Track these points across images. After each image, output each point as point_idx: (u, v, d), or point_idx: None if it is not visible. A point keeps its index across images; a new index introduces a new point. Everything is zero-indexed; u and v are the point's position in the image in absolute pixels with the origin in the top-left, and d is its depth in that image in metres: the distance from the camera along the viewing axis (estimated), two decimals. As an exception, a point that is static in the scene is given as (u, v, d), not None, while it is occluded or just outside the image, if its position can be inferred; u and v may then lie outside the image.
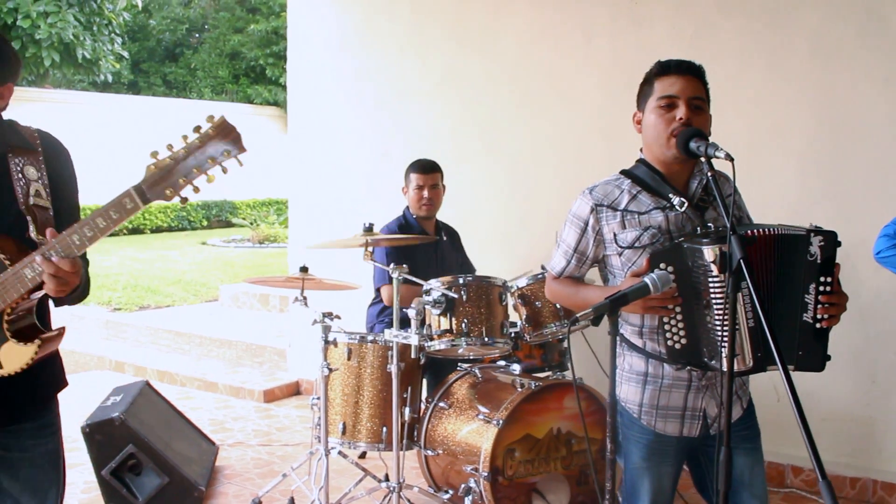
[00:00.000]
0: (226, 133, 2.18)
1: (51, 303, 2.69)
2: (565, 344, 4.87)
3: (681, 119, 2.72)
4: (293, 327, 7.43)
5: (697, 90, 2.78)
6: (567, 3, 5.76)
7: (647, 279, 2.54)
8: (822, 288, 2.56)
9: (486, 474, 4.02)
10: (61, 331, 2.59)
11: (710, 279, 2.54)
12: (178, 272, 13.05)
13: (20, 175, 2.51)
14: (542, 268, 4.60)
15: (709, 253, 2.53)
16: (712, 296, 2.55)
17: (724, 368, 2.54)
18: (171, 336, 8.75)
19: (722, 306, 2.51)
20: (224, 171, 2.22)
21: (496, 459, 4.04)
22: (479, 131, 6.18)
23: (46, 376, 2.71)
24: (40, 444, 2.70)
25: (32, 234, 2.42)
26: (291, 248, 7.37)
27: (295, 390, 7.31)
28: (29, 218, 2.44)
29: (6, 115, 2.62)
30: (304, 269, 4.63)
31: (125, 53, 21.01)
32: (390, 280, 4.77)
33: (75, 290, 2.42)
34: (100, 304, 10.29)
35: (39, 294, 2.45)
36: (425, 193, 5.13)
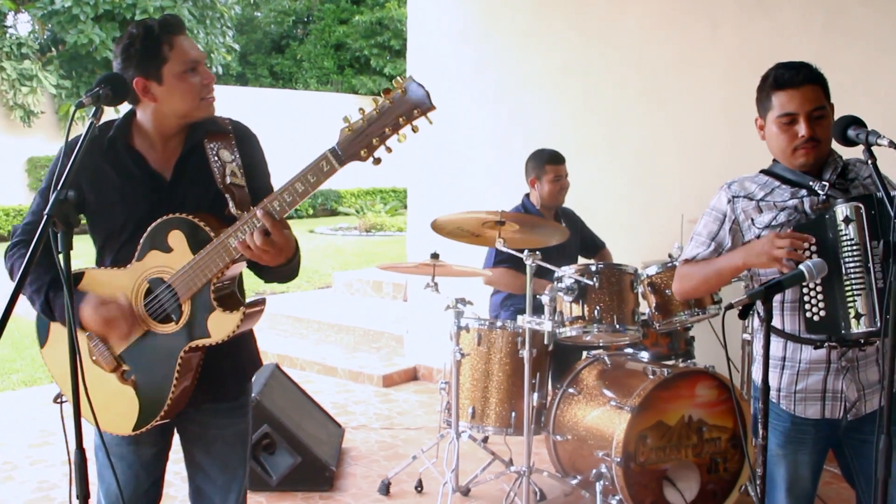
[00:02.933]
0: (414, 91, 2.26)
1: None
2: (691, 332, 4.88)
3: (803, 136, 2.76)
4: (411, 314, 7.56)
5: (816, 100, 2.79)
6: (692, -9, 5.73)
7: (803, 267, 2.55)
8: None
9: (618, 460, 4.06)
10: (262, 301, 2.70)
11: (841, 240, 2.61)
12: (291, 259, 13.33)
13: (216, 157, 2.69)
14: (670, 256, 4.62)
15: (841, 212, 2.61)
16: (844, 258, 2.61)
17: (855, 330, 2.60)
18: (289, 321, 8.97)
19: (853, 267, 2.59)
20: (415, 129, 2.30)
21: (629, 445, 4.08)
22: (601, 121, 6.19)
23: (246, 356, 2.90)
24: (234, 424, 2.88)
25: (233, 209, 2.57)
26: (411, 236, 7.48)
27: (413, 376, 7.44)
28: (227, 196, 2.60)
29: None
30: (435, 256, 4.71)
31: (236, 46, 21.51)
32: (496, 263, 4.93)
33: (290, 261, 2.54)
34: (219, 290, 10.60)
35: (242, 264, 2.59)
36: (564, 183, 5.22)
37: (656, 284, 4.46)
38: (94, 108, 2.48)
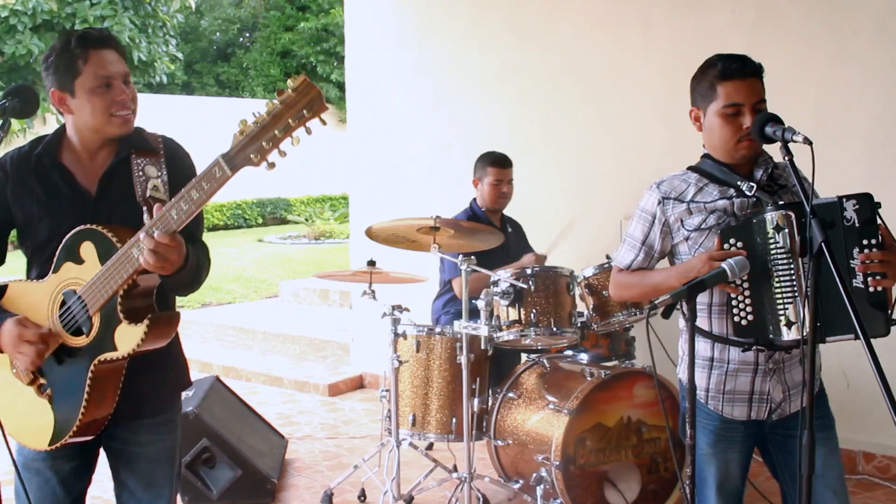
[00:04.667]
0: (306, 92, 2.18)
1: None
2: (631, 333, 4.88)
3: (748, 128, 2.72)
4: (356, 321, 7.50)
5: (760, 92, 2.78)
6: (625, -9, 5.75)
7: (724, 265, 2.54)
8: (866, 251, 2.54)
9: (557, 463, 4.05)
10: (174, 314, 2.64)
11: (770, 247, 2.59)
12: (238, 269, 13.21)
13: (140, 172, 2.64)
14: (607, 257, 4.61)
15: (771, 219, 2.58)
16: (774, 265, 2.58)
17: (786, 338, 2.57)
18: (234, 332, 8.88)
19: (783, 275, 2.56)
20: (308, 131, 2.21)
21: (567, 448, 4.07)
22: (539, 122, 6.19)
23: (169, 373, 2.83)
24: (158, 441, 2.81)
25: (147, 221, 2.48)
26: (353, 244, 7.42)
27: (359, 384, 7.39)
28: (144, 208, 2.53)
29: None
30: (371, 263, 4.68)
31: (179, 55, 21.30)
32: (458, 274, 4.84)
33: (180, 270, 2.44)
34: (163, 302, 10.47)
35: (154, 276, 2.50)
36: (504, 189, 5.19)
37: (593, 286, 4.45)
38: (0, 121, 2.47)
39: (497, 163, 5.20)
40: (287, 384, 7.43)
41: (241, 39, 29.94)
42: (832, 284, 2.40)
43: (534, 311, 4.22)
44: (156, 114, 19.84)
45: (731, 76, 2.76)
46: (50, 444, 2.59)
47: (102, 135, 2.65)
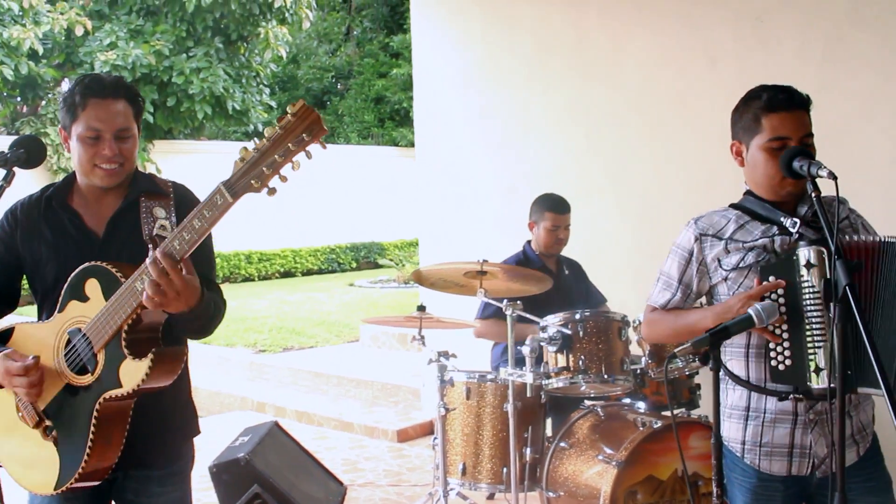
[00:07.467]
0: (305, 117, 2.14)
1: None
2: (696, 380, 4.66)
3: None
4: (427, 366, 7.40)
5: (807, 125, 2.63)
6: (689, 27, 5.59)
7: (751, 310, 2.37)
8: None
9: (606, 518, 3.86)
10: (180, 350, 2.59)
11: (802, 286, 2.41)
12: (324, 313, 13.26)
13: (148, 214, 2.65)
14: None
15: (803, 255, 2.41)
16: (805, 306, 2.40)
17: (815, 385, 2.39)
18: (310, 376, 8.87)
19: (814, 317, 2.38)
20: (308, 156, 2.17)
21: (617, 502, 3.87)
22: (605, 162, 6.04)
23: (178, 423, 2.79)
24: (167, 492, 2.77)
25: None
26: (422, 287, 7.34)
27: (429, 430, 7.25)
28: (150, 246, 2.48)
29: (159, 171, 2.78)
30: (421, 308, 4.60)
31: (273, 103, 21.70)
32: (485, 316, 4.71)
33: (195, 309, 2.39)
34: (246, 346, 10.57)
35: (159, 312, 2.45)
36: (560, 235, 4.98)
37: (649, 331, 4.26)
38: (4, 172, 2.48)
39: (556, 207, 4.98)
40: (357, 429, 7.36)
41: (336, 87, 30.45)
42: (882, 333, 2.21)
43: (583, 357, 4.06)
44: (250, 161, 20.29)
45: (777, 108, 2.61)
46: (56, 489, 2.55)
47: (89, 182, 2.65)
